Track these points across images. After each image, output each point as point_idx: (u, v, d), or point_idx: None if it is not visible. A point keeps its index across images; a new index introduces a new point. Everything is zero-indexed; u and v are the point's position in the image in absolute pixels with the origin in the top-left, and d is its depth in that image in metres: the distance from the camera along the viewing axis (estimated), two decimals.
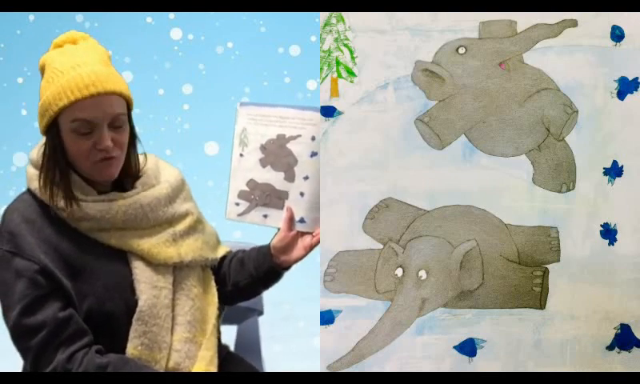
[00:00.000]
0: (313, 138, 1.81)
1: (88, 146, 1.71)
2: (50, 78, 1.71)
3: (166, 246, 1.80)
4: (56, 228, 1.71)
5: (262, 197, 1.88)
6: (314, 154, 1.82)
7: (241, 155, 1.90)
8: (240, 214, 1.91)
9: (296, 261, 1.88)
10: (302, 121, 1.82)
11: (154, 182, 1.84)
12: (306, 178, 1.83)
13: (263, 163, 1.88)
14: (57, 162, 1.72)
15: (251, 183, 1.89)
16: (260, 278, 1.91)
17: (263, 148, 1.87)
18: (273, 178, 1.87)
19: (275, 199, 1.87)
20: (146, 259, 1.77)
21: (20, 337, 1.68)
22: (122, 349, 1.72)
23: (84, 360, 1.66)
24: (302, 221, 1.85)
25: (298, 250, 1.86)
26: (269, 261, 1.89)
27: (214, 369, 1.81)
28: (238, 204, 1.91)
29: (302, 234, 1.86)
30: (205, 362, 1.80)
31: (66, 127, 1.70)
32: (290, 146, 1.84)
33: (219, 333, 1.98)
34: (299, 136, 1.83)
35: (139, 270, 1.75)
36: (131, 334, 1.71)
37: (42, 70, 1.76)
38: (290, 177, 1.85)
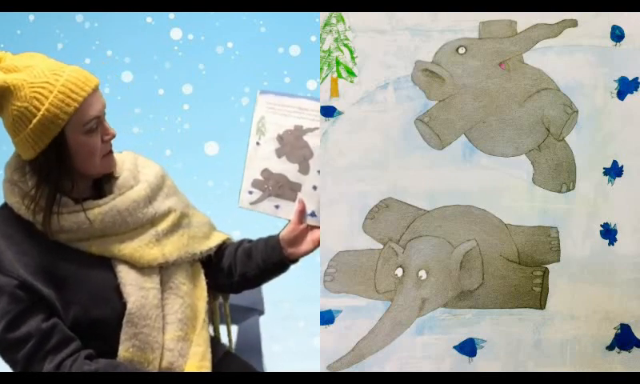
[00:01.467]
0: None
1: (98, 141, 1.72)
2: (35, 94, 1.65)
3: (149, 247, 1.79)
4: (35, 240, 1.70)
5: (275, 187, 1.88)
6: None
7: (257, 144, 1.89)
8: (252, 203, 1.91)
9: (304, 254, 1.88)
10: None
11: (132, 183, 1.82)
12: (320, 171, 1.83)
13: (279, 153, 1.88)
14: (59, 176, 1.70)
15: (265, 173, 1.89)
16: (268, 269, 1.91)
17: (280, 138, 1.87)
18: (287, 168, 1.87)
19: (288, 191, 1.87)
20: (129, 262, 1.76)
21: (6, 351, 1.68)
22: (114, 353, 1.71)
23: (73, 367, 1.66)
24: (312, 214, 1.85)
25: (306, 244, 1.86)
26: (278, 253, 1.88)
27: (207, 364, 1.81)
28: (251, 192, 1.90)
29: (312, 227, 1.86)
30: (197, 357, 1.80)
31: (76, 131, 1.69)
32: (307, 138, 1.84)
33: (218, 331, 1.99)
34: (317, 129, 1.82)
35: (124, 274, 1.75)
36: (122, 337, 1.71)
37: (7, 94, 1.66)
38: (305, 169, 1.86)
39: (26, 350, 1.65)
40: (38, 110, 1.66)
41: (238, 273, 1.93)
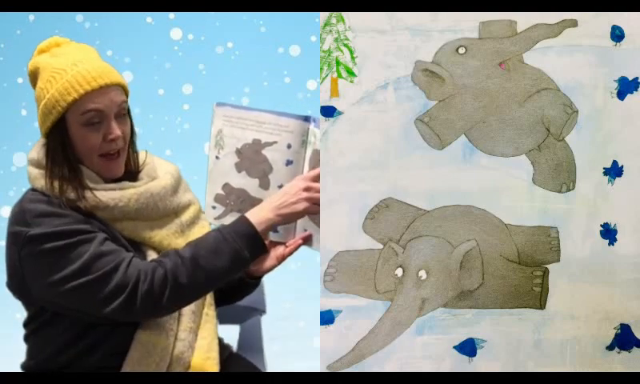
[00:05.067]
0: (289, 146, 1.79)
1: (98, 138, 1.74)
2: (50, 78, 1.73)
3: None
4: (73, 216, 1.72)
5: (237, 202, 1.85)
6: (289, 163, 1.80)
7: (217, 157, 1.86)
8: (217, 218, 1.88)
9: (267, 271, 1.85)
10: (279, 127, 1.80)
11: (154, 175, 1.84)
12: (280, 186, 1.80)
13: (239, 168, 1.84)
14: (65, 158, 1.73)
15: (227, 187, 1.86)
16: (230, 286, 1.88)
17: (239, 152, 1.84)
18: (248, 184, 1.84)
19: (249, 206, 1.81)
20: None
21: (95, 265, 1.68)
22: (128, 335, 1.73)
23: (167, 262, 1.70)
24: (275, 231, 1.81)
25: (269, 261, 1.83)
26: None
27: (213, 355, 1.81)
28: (214, 207, 1.87)
29: (276, 244, 1.83)
30: (203, 350, 1.80)
31: (75, 122, 1.73)
32: (266, 152, 1.81)
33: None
34: (275, 143, 1.80)
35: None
36: (142, 321, 1.74)
37: (35, 73, 1.78)
38: (265, 184, 1.83)
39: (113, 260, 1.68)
40: (48, 92, 1.73)
41: None
